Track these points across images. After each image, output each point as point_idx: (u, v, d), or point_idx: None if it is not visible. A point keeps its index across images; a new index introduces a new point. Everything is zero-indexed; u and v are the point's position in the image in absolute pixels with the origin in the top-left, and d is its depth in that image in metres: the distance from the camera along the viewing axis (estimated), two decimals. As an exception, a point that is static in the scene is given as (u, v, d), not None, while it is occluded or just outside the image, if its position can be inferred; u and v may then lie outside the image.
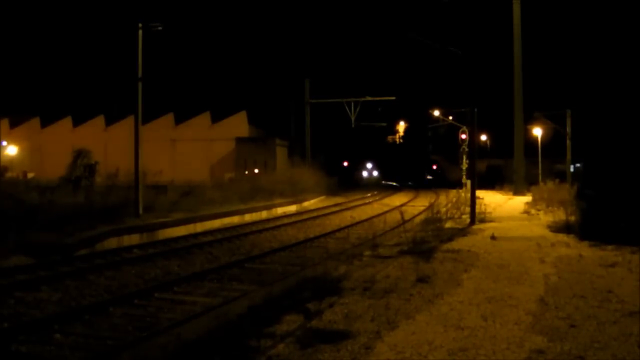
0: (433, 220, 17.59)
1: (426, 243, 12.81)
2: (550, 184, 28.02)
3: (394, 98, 42.73)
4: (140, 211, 20.19)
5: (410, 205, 32.00)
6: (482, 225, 16.87)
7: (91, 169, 25.87)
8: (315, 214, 26.40)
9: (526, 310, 7.00)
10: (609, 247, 11.76)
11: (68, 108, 62.35)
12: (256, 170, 48.92)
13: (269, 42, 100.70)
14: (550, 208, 20.32)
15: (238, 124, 57.04)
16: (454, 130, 36.94)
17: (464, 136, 29.34)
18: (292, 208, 29.84)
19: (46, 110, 62.21)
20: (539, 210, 21.69)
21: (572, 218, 14.93)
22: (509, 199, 30.46)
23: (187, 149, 55.37)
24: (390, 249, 12.53)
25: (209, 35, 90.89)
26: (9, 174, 41.77)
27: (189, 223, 19.97)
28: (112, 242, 16.06)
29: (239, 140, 54.66)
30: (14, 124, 60.52)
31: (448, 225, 17.19)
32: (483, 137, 59.12)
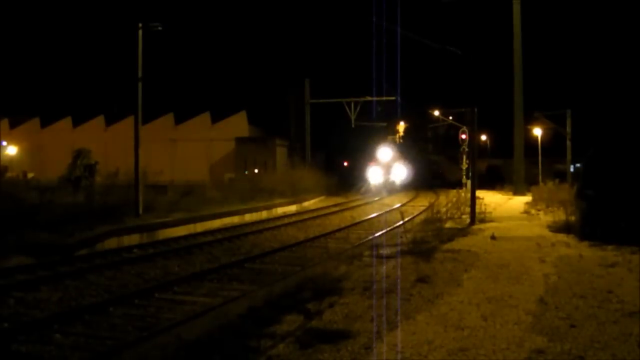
0: (433, 220, 17.60)
1: (426, 243, 12.82)
2: (550, 184, 28.05)
3: (394, 98, 42.68)
4: (140, 211, 20.20)
5: (410, 205, 31.98)
6: (482, 225, 16.88)
7: (91, 169, 25.90)
8: (315, 214, 26.39)
9: (526, 310, 7.00)
10: (609, 247, 11.77)
11: (68, 108, 62.41)
12: (256, 170, 48.92)
13: (269, 41, 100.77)
14: (550, 208, 20.33)
15: (238, 124, 57.04)
16: (454, 130, 36.93)
17: (464, 136, 29.33)
18: (292, 208, 29.83)
19: (46, 110, 62.28)
20: (539, 210, 21.69)
21: (572, 218, 14.95)
22: (509, 199, 30.46)
23: (187, 149, 55.36)
24: (390, 249, 12.53)
25: (208, 35, 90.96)
26: (9, 174, 41.78)
27: (189, 223, 19.96)
28: (112, 242, 16.05)
29: (239, 140, 54.66)
30: (14, 124, 60.47)
31: (448, 225, 17.20)
32: (483, 137, 59.18)
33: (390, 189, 43.85)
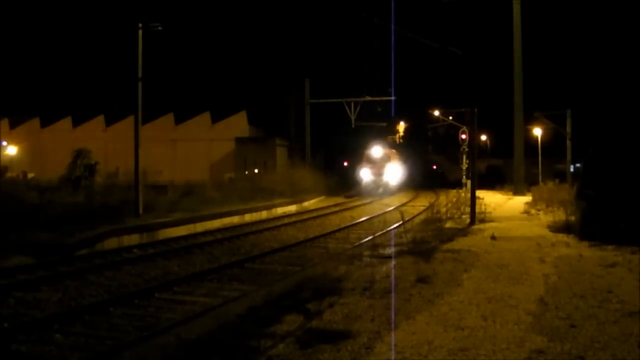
0: (433, 220, 17.60)
1: (426, 243, 12.81)
2: (550, 184, 28.05)
3: (394, 98, 42.74)
4: (140, 211, 20.20)
5: (410, 205, 31.99)
6: (482, 225, 16.87)
7: (91, 169, 25.97)
8: (315, 214, 26.38)
9: (526, 310, 7.00)
10: (609, 247, 11.75)
11: (68, 108, 62.41)
12: (256, 170, 48.92)
13: (269, 41, 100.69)
14: (550, 208, 20.32)
15: (238, 124, 57.08)
16: (454, 130, 36.96)
17: (464, 136, 29.35)
18: (292, 208, 29.83)
19: (46, 110, 62.29)
20: (539, 210, 21.69)
21: (572, 218, 14.94)
22: (509, 199, 30.45)
23: (187, 149, 55.39)
24: (390, 249, 12.53)
25: (208, 35, 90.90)
26: (9, 174, 41.81)
27: (189, 223, 19.96)
28: (112, 242, 16.05)
29: (239, 140, 54.69)
30: (14, 124, 60.50)
31: (448, 225, 17.19)
32: (483, 137, 59.20)
33: (384, 190, 40.28)
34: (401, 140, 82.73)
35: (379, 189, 40.44)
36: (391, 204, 32.10)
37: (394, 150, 45.30)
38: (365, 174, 41.52)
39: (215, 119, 58.31)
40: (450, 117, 42.21)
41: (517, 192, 32.89)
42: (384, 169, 41.52)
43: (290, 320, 6.83)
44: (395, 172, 42.57)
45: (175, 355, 6.22)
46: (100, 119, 61.70)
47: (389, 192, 40.64)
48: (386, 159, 42.27)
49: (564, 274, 9.29)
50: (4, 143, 52.75)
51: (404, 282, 8.68)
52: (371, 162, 41.84)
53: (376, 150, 42.48)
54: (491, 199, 28.05)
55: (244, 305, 8.19)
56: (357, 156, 47.32)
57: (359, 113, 43.68)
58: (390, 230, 18.38)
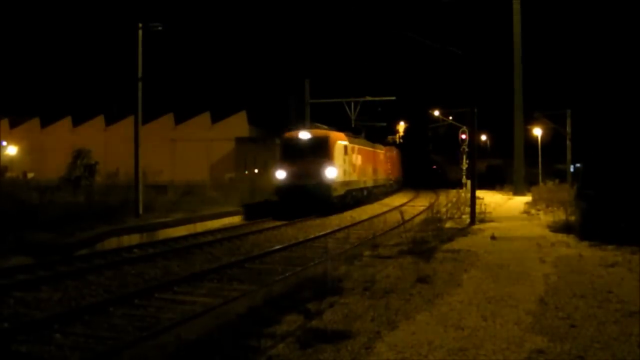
0: (433, 220, 17.61)
1: (426, 243, 12.82)
2: (550, 184, 28.10)
3: (394, 98, 42.75)
4: (140, 211, 20.21)
5: (410, 205, 32.00)
6: (482, 225, 16.88)
7: (91, 169, 25.97)
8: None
9: (526, 310, 7.00)
10: (609, 247, 11.76)
11: (68, 108, 62.63)
12: (256, 170, 48.90)
13: (269, 42, 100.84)
14: (550, 208, 20.34)
15: (238, 124, 57.08)
16: (454, 130, 36.97)
17: (464, 136, 29.37)
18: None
19: (46, 110, 62.51)
20: (539, 210, 21.70)
21: (572, 218, 14.96)
22: (509, 199, 30.46)
23: (187, 149, 55.36)
24: (390, 249, 12.53)
25: (208, 35, 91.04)
26: (9, 174, 41.85)
27: (189, 223, 19.97)
28: (112, 242, 16.06)
29: (239, 140, 54.67)
30: (14, 124, 60.55)
31: (448, 225, 17.20)
32: (483, 137, 59.24)
33: (324, 205, 24.19)
34: (401, 140, 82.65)
35: (309, 203, 23.83)
36: (391, 204, 32.09)
37: (341, 134, 27.40)
38: (281, 176, 24.99)
39: (215, 119, 58.35)
40: (450, 117, 42.29)
41: (517, 192, 32.90)
42: (319, 169, 24.50)
43: (290, 320, 6.83)
44: (338, 173, 25.12)
45: (175, 355, 6.21)
46: (100, 119, 61.74)
47: (334, 208, 25.02)
48: (324, 149, 24.83)
49: (564, 274, 9.29)
50: (4, 143, 52.76)
51: (404, 282, 8.68)
52: (295, 155, 24.89)
53: (304, 134, 25.40)
54: (491, 199, 28.06)
55: (244, 305, 8.18)
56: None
57: (359, 113, 43.69)
58: (391, 230, 18.40)
